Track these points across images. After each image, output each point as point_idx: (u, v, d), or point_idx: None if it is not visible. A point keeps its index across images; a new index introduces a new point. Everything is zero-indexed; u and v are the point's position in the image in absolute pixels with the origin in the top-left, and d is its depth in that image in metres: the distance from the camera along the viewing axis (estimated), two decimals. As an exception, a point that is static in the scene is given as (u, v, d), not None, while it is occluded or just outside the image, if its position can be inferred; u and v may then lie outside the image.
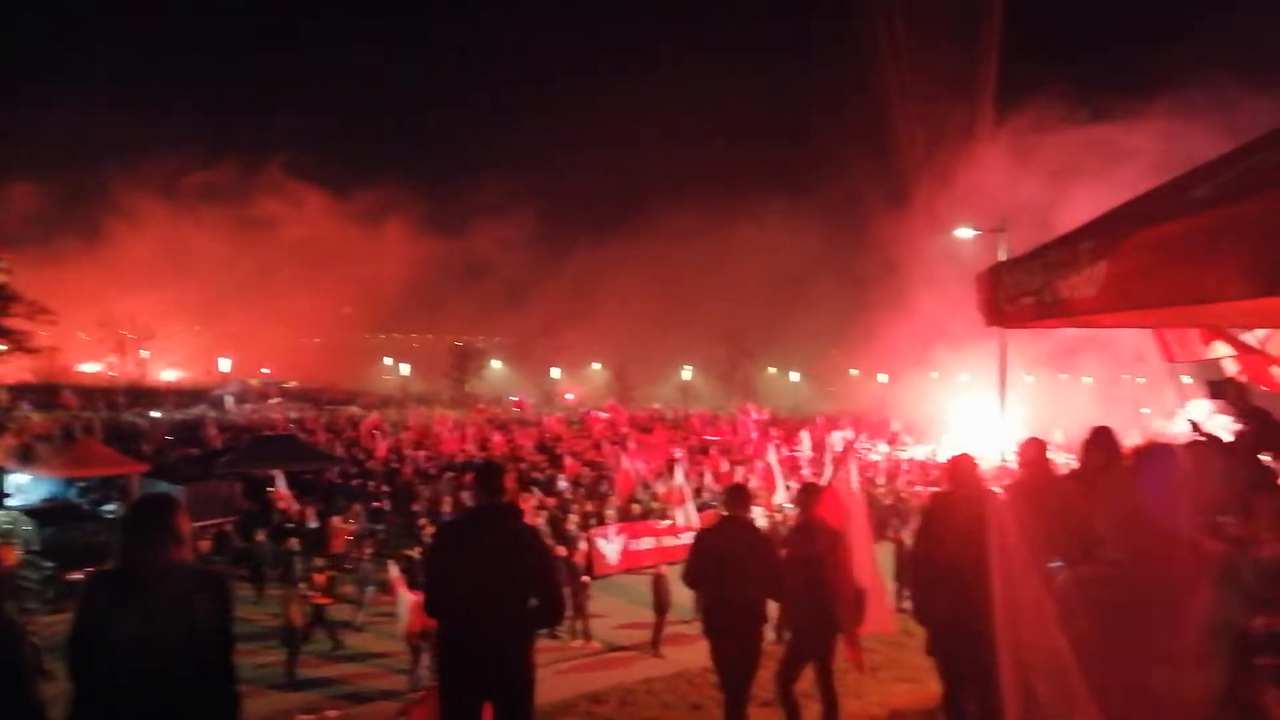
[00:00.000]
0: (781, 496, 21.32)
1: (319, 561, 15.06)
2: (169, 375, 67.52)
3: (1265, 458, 5.00)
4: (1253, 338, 6.12)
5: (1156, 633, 2.56)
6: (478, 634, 4.40)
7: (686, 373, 76.89)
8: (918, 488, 24.70)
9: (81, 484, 22.47)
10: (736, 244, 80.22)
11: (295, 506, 19.72)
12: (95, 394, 53.43)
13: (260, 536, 16.72)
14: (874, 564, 7.20)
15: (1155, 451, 4.47)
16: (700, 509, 20.43)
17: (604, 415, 41.91)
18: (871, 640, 7.96)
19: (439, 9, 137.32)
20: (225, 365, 56.85)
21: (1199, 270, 2.33)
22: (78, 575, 11.45)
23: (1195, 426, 5.76)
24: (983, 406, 28.17)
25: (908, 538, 14.11)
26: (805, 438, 31.75)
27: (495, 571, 4.39)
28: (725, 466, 26.32)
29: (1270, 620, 3.03)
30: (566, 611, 14.02)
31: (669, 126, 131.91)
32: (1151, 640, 2.55)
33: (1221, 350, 6.29)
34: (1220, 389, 4.77)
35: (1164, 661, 2.51)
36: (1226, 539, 3.81)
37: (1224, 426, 5.77)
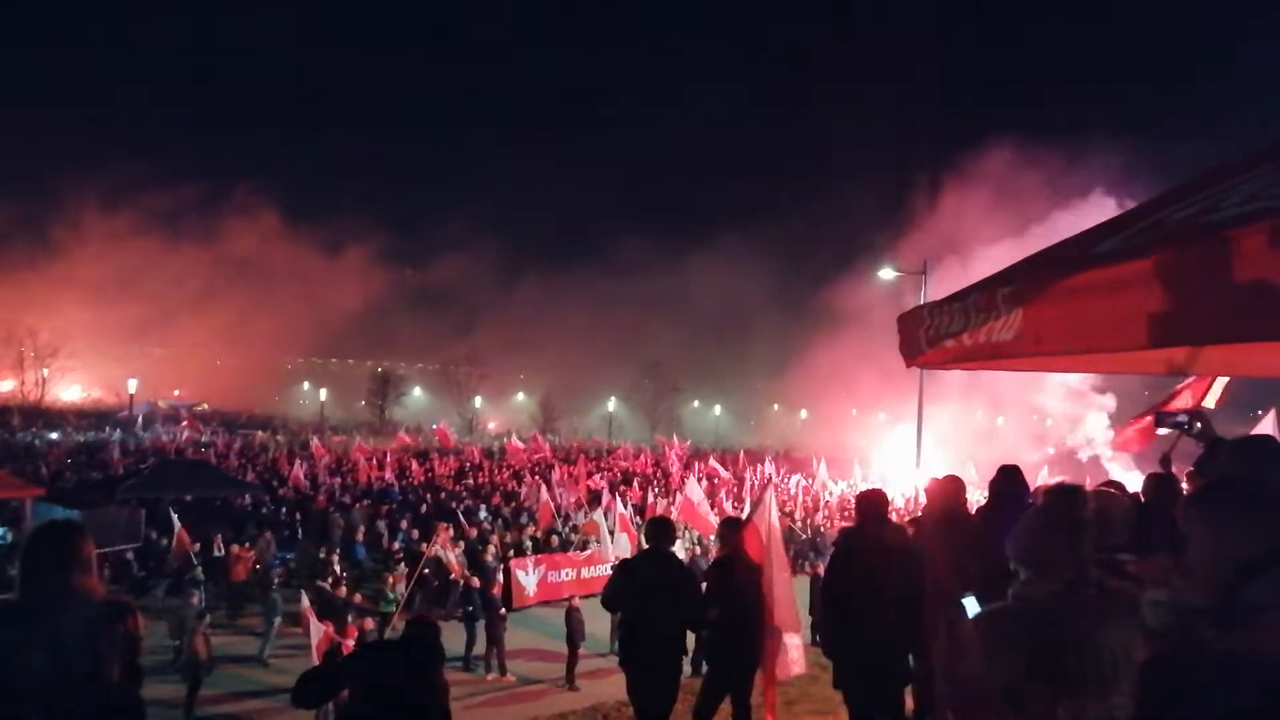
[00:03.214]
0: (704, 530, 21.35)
1: None
2: (72, 396, 64.56)
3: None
4: None
5: (1068, 666, 2.66)
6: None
7: (611, 404, 76.84)
8: (836, 522, 25.05)
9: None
10: (664, 279, 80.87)
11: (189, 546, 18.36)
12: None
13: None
14: (792, 604, 7.21)
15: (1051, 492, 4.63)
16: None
17: (521, 444, 41.46)
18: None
19: (383, 34, 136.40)
20: (133, 386, 54.34)
21: (1101, 319, 2.48)
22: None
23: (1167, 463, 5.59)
24: (901, 443, 28.91)
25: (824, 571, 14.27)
26: (726, 471, 31.94)
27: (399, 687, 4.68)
28: (649, 498, 26.31)
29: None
30: (479, 647, 13.89)
31: (602, 163, 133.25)
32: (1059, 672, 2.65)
33: None
34: (1173, 420, 4.66)
35: (1070, 694, 2.61)
36: (1124, 576, 3.99)
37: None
